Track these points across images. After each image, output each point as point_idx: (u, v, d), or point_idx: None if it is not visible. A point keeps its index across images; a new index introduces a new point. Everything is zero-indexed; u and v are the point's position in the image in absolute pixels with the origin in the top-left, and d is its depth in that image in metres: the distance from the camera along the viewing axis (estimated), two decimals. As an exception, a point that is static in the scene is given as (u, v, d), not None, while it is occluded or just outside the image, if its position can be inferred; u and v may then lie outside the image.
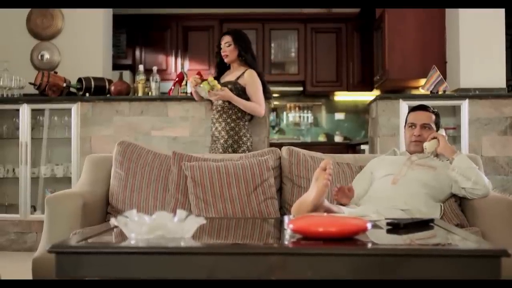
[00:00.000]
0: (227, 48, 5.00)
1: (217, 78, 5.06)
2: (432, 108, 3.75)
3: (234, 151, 4.83)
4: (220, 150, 4.87)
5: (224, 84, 4.91)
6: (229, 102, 4.90)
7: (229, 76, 5.03)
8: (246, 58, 5.01)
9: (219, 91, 4.82)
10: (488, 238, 3.19)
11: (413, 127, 3.67)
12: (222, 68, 5.13)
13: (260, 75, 5.03)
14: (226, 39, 5.03)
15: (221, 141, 4.88)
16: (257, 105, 4.94)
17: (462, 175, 3.40)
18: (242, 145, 4.89)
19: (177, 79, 5.63)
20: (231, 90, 4.86)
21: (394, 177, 3.49)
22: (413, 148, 3.65)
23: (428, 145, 3.54)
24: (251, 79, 4.93)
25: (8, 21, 6.31)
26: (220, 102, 4.94)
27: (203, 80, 4.94)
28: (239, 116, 4.95)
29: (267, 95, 5.12)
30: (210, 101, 5.07)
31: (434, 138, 3.55)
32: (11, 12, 6.26)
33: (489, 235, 3.24)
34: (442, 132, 3.66)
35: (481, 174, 3.45)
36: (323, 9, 8.69)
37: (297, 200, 2.85)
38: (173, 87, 5.72)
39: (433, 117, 3.70)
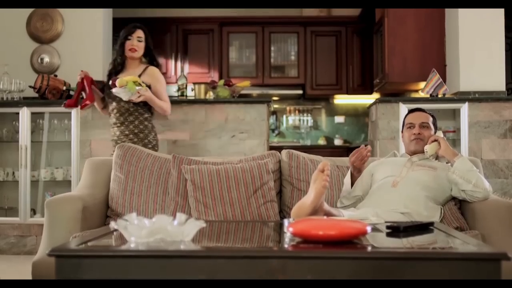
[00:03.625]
0: (139, 43, 4.76)
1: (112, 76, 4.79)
2: (429, 112, 3.78)
3: None
4: None
5: None
6: (136, 103, 4.69)
7: (126, 74, 4.72)
8: (153, 56, 4.83)
9: (142, 91, 4.57)
10: (488, 242, 3.19)
11: (412, 127, 3.68)
12: (120, 66, 4.84)
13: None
14: (139, 33, 4.77)
15: (131, 142, 4.62)
16: (167, 103, 4.79)
17: (462, 177, 3.40)
18: (152, 141, 4.74)
19: (84, 84, 4.94)
20: None
21: (394, 179, 3.49)
22: (414, 147, 3.66)
23: (429, 148, 3.55)
24: (157, 76, 4.77)
25: (8, 24, 6.31)
26: (122, 103, 4.70)
27: (113, 83, 4.61)
28: (146, 118, 4.77)
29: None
30: (105, 103, 4.86)
31: (435, 140, 3.56)
32: (11, 15, 6.27)
33: (489, 238, 3.24)
34: (440, 134, 3.67)
35: (482, 177, 3.46)
36: (323, 12, 8.70)
37: (297, 204, 2.85)
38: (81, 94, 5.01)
39: (430, 118, 3.73)
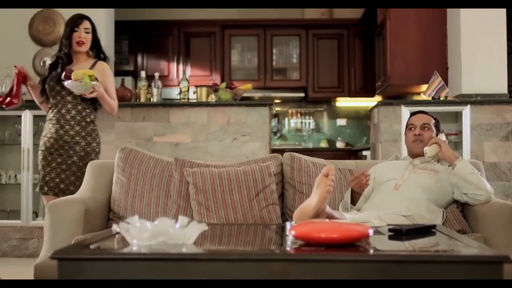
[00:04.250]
0: (87, 35, 4.45)
1: (54, 70, 4.47)
2: (432, 114, 3.79)
3: (90, 159, 4.37)
4: (75, 158, 4.38)
5: None
6: (83, 100, 4.41)
7: (75, 69, 4.37)
8: (100, 49, 4.55)
9: (97, 86, 4.27)
10: (490, 244, 3.18)
11: (413, 128, 3.70)
12: (68, 59, 4.46)
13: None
14: (87, 25, 4.47)
15: (77, 148, 4.41)
16: (115, 102, 4.53)
17: (464, 180, 3.40)
18: (96, 148, 4.50)
19: (16, 80, 4.64)
20: None
21: (396, 182, 3.49)
22: (415, 149, 3.66)
23: (428, 150, 3.54)
24: (107, 72, 4.50)
25: (10, 27, 6.32)
26: (69, 98, 4.38)
27: (67, 75, 4.23)
28: (93, 120, 4.51)
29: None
30: (51, 99, 4.46)
31: (435, 143, 3.55)
32: (13, 18, 6.27)
33: (491, 241, 3.24)
34: (442, 137, 3.66)
35: (483, 180, 3.45)
36: (324, 15, 8.71)
37: (299, 206, 2.84)
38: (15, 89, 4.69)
39: (433, 120, 3.73)
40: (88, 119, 4.45)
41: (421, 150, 3.62)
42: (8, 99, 4.65)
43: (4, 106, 4.71)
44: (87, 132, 4.43)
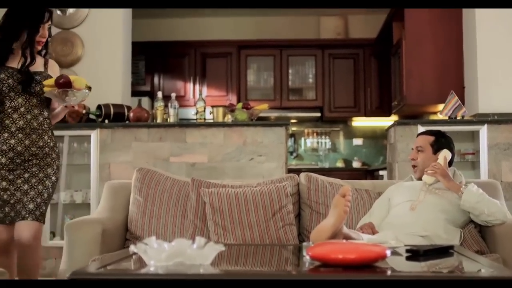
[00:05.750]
0: (46, 32, 3.68)
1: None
2: (434, 131, 3.81)
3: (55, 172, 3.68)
4: (52, 174, 3.62)
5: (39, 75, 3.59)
6: (47, 105, 3.70)
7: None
8: (47, 46, 3.73)
9: None
10: (508, 265, 3.16)
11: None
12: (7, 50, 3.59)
13: None
14: (49, 22, 3.66)
15: (48, 159, 3.64)
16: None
17: (474, 209, 3.38)
18: (57, 172, 3.71)
19: None
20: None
21: (412, 203, 3.48)
22: (414, 174, 3.76)
23: (426, 179, 3.56)
24: (58, 73, 3.73)
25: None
26: (35, 101, 3.58)
27: (65, 81, 3.42)
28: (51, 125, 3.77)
29: None
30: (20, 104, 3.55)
31: (433, 172, 3.51)
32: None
33: (510, 261, 3.21)
34: (445, 154, 3.62)
35: (493, 203, 3.41)
36: (340, 35, 8.74)
37: (316, 227, 2.85)
38: None
39: (430, 138, 3.72)
40: (52, 127, 3.73)
41: (417, 175, 3.70)
42: None
43: None
44: (54, 143, 3.71)
